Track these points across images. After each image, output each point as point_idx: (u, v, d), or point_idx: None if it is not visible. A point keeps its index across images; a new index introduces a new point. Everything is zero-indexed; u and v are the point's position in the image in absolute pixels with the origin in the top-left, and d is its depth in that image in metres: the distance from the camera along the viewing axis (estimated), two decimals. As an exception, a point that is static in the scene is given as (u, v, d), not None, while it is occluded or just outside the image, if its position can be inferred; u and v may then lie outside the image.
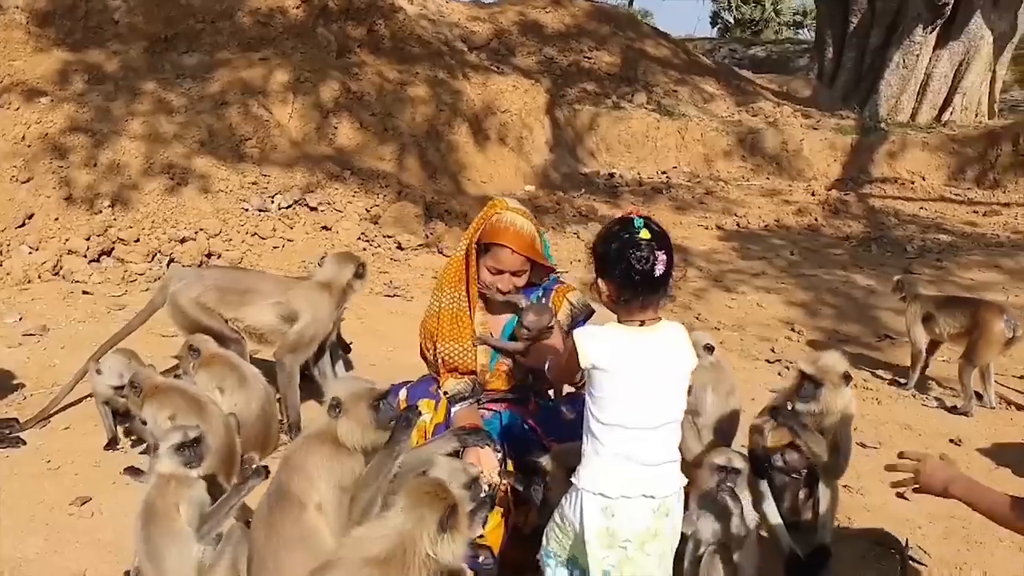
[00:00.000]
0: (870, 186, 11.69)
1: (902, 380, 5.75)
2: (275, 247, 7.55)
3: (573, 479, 2.65)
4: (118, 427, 4.41)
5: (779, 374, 5.83)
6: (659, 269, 2.54)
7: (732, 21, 37.63)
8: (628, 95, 12.58)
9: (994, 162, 11.79)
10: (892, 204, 10.91)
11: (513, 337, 3.55)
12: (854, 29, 14.89)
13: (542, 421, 3.56)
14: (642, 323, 2.61)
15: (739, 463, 3.13)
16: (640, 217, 2.61)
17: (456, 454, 3.15)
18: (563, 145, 11.35)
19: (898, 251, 9.00)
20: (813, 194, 11.05)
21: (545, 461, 3.28)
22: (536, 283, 3.59)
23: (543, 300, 3.57)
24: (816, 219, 10.07)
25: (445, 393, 3.50)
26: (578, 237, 8.65)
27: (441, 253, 7.95)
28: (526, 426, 3.55)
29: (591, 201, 9.94)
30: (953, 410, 5.35)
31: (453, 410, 3.48)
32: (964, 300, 5.82)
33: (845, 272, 8.13)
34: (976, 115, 14.21)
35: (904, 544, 3.66)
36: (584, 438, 2.64)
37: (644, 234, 2.55)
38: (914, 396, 5.60)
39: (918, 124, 13.59)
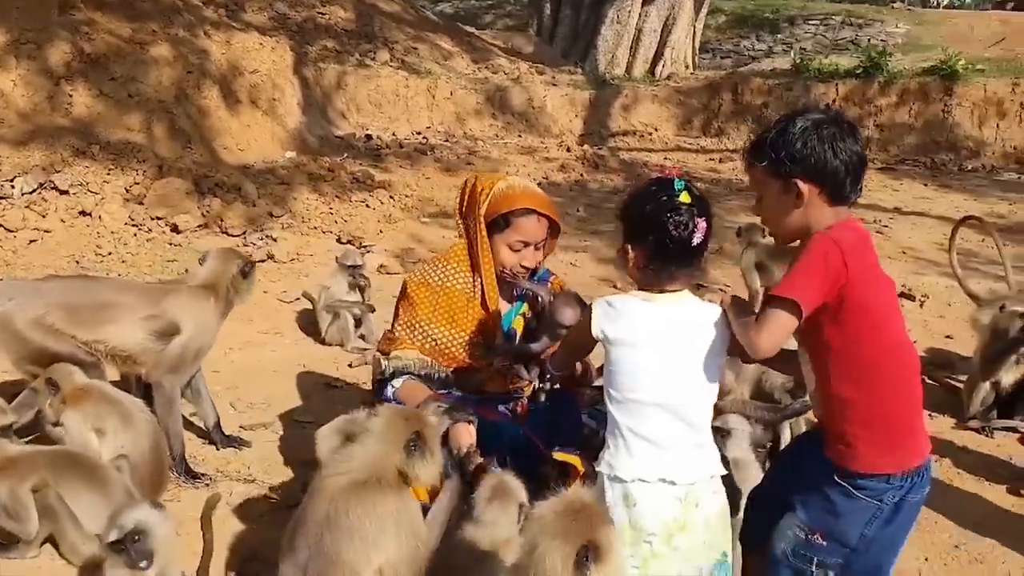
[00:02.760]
0: (613, 139, 12.11)
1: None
2: (31, 240, 6.27)
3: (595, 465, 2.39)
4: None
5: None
6: (697, 237, 2.30)
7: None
8: (370, 52, 11.98)
9: (717, 111, 12.67)
10: (639, 156, 11.36)
11: (525, 334, 3.11)
12: (570, -14, 15.31)
13: (534, 426, 3.15)
14: (661, 291, 2.35)
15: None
16: (680, 178, 2.35)
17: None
18: (315, 107, 10.57)
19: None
20: (568, 150, 11.23)
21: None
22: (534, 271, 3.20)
23: (541, 292, 3.16)
24: (581, 175, 10.22)
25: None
26: (367, 206, 8.06)
27: (226, 234, 7.05)
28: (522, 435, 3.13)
29: (363, 166, 9.33)
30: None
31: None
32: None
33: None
34: (686, 67, 15.21)
35: None
36: (606, 419, 2.39)
37: (684, 198, 2.30)
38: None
39: (634, 77, 14.29)
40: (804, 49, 23.54)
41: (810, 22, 24.38)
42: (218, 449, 3.94)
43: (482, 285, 3.09)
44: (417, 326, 3.11)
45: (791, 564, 2.33)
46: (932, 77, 12.07)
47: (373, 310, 5.35)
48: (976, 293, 5.28)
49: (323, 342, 5.29)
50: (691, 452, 2.34)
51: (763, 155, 2.33)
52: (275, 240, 7.01)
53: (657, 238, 2.30)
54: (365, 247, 7.18)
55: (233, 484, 3.67)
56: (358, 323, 5.30)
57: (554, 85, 12.72)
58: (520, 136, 11.80)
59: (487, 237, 3.06)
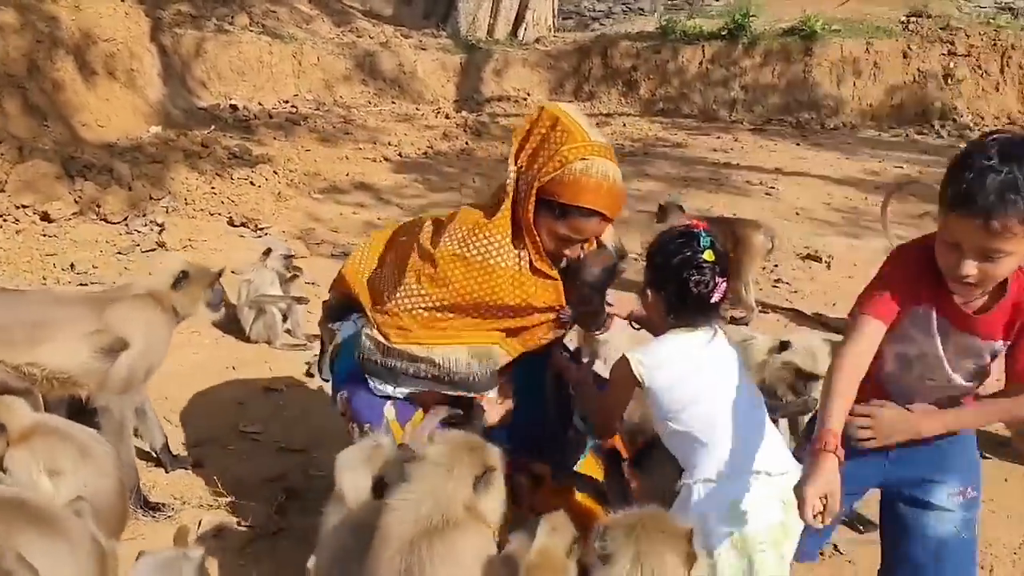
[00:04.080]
0: (488, 105, 11.86)
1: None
2: None
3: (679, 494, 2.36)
4: None
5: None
6: (716, 297, 2.36)
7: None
8: (228, 17, 11.21)
9: (587, 75, 12.62)
10: (516, 122, 11.16)
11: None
12: (426, -55, 14.83)
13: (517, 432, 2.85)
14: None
15: None
16: (706, 234, 2.37)
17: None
18: (175, 77, 9.80)
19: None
20: (447, 117, 10.92)
21: None
22: None
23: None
24: (467, 143, 9.94)
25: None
26: (251, 183, 7.54)
27: (106, 221, 6.42)
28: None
29: (237, 140, 8.73)
30: (734, 321, 5.60)
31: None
32: (723, 219, 6.10)
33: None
34: (549, 29, 15.07)
35: None
36: (679, 455, 2.40)
37: (708, 256, 2.33)
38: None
39: (498, 40, 14.05)
40: (643, 10, 23.99)
41: (655, -19, 24.78)
42: (167, 472, 3.53)
43: (535, 252, 2.61)
44: (441, 304, 2.63)
45: (964, 525, 2.37)
46: (793, 38, 12.42)
47: (305, 301, 4.96)
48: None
49: (247, 340, 4.87)
50: (775, 443, 2.39)
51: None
52: (162, 226, 6.45)
53: (678, 291, 2.34)
54: (261, 229, 6.70)
55: (196, 512, 3.29)
56: (284, 317, 4.90)
57: (423, 50, 12.32)
58: (394, 103, 11.38)
59: (534, 208, 2.57)
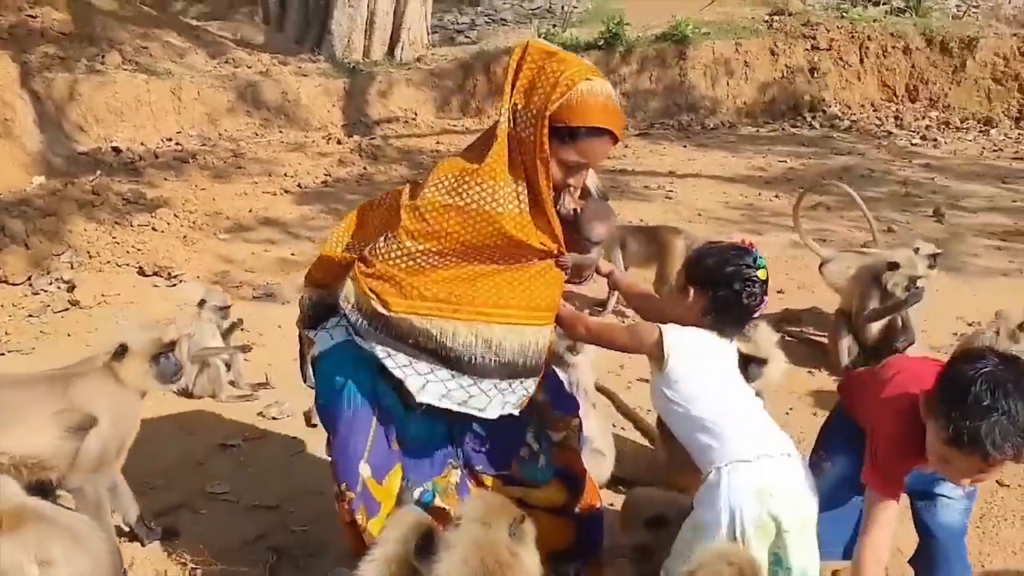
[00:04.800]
0: (377, 127, 11.78)
1: (598, 308, 6.00)
2: None
3: (705, 481, 2.48)
4: None
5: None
6: (758, 312, 2.54)
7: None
8: (99, 56, 10.74)
9: (473, 91, 12.70)
10: (409, 143, 11.15)
11: None
12: (295, -30, 14.62)
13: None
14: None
15: None
16: (758, 253, 2.54)
17: None
18: (51, 123, 9.35)
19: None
20: (339, 142, 10.80)
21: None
22: None
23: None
24: (364, 168, 9.86)
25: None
26: (154, 229, 7.29)
27: (7, 283, 6.12)
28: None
29: (127, 184, 8.39)
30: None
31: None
32: (646, 228, 6.29)
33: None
34: (425, 48, 15.09)
35: None
36: (696, 443, 2.50)
37: (763, 274, 2.51)
38: (622, 318, 5.89)
39: (375, 61, 13.99)
40: (505, 20, 24.29)
41: (505, -8, 25.11)
42: (144, 545, 3.39)
43: (539, 191, 2.51)
44: (433, 257, 2.51)
45: (965, 513, 2.66)
46: (666, 43, 12.82)
47: (249, 349, 4.84)
48: (819, 251, 5.68)
49: (190, 396, 4.70)
50: (778, 431, 2.56)
51: None
52: (69, 283, 6.16)
53: (726, 296, 2.48)
54: (175, 277, 6.48)
55: (187, 589, 3.18)
56: (227, 367, 4.77)
57: (304, 76, 12.13)
58: (281, 132, 11.16)
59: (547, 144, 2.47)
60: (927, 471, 2.47)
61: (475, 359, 2.54)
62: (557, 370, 3.22)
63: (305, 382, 2.94)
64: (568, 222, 2.68)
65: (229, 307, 4.84)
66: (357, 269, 2.58)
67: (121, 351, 3.18)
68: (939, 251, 4.99)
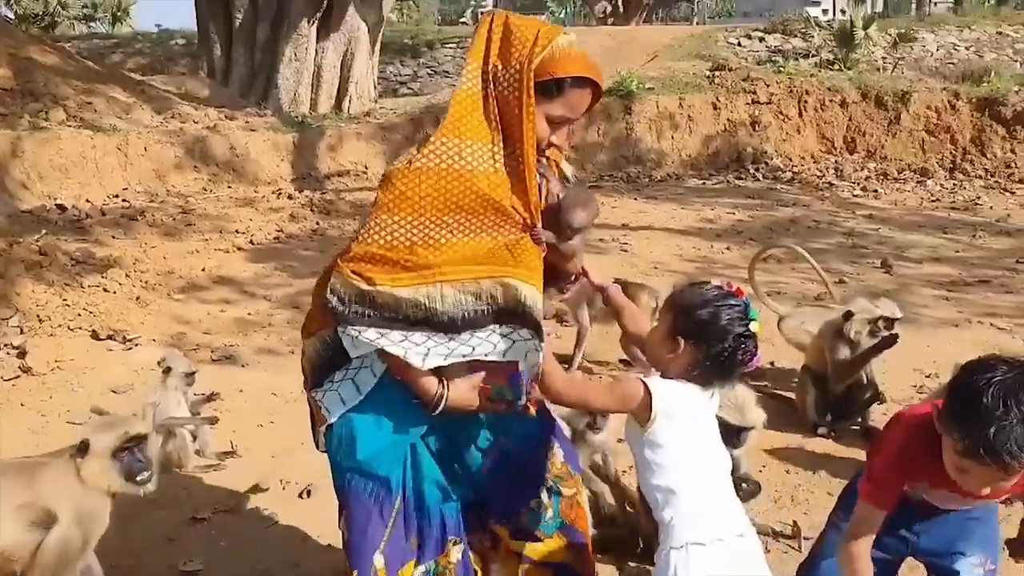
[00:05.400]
0: (327, 181, 11.75)
1: (563, 365, 6.01)
2: None
3: (658, 556, 2.41)
4: None
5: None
6: (751, 367, 2.46)
7: (13, 16, 33.80)
8: (42, 112, 10.57)
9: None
10: (360, 196, 11.10)
11: None
12: (240, 25, 14.66)
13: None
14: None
15: None
16: (748, 301, 2.45)
17: None
18: (-8, 181, 9.14)
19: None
20: (290, 197, 10.72)
21: None
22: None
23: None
24: (317, 223, 9.79)
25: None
26: (105, 290, 7.11)
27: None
28: None
29: (75, 243, 8.20)
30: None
31: None
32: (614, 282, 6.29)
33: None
34: (372, 101, 15.16)
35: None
36: (656, 507, 2.43)
37: (756, 328, 2.40)
38: (590, 375, 5.90)
39: (323, 115, 14.01)
40: (447, 72, 24.56)
41: (447, 46, 25.53)
42: (120, 635, 3.26)
43: (519, 153, 2.43)
44: (407, 227, 2.39)
45: None
46: (612, 97, 13.06)
47: (215, 421, 4.72)
48: (777, 309, 5.77)
49: (154, 466, 4.56)
50: (739, 507, 2.48)
51: None
52: (20, 349, 5.96)
53: (720, 352, 2.36)
54: (130, 340, 6.33)
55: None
56: (192, 437, 4.65)
57: (253, 130, 12.06)
58: (230, 187, 11.06)
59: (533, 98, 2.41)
60: (917, 487, 2.47)
61: (468, 314, 2.43)
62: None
63: (318, 448, 2.75)
64: (550, 213, 2.60)
65: (194, 374, 4.73)
66: (338, 260, 2.48)
67: (83, 448, 2.99)
68: (899, 316, 5.07)
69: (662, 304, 2.75)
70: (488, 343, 2.44)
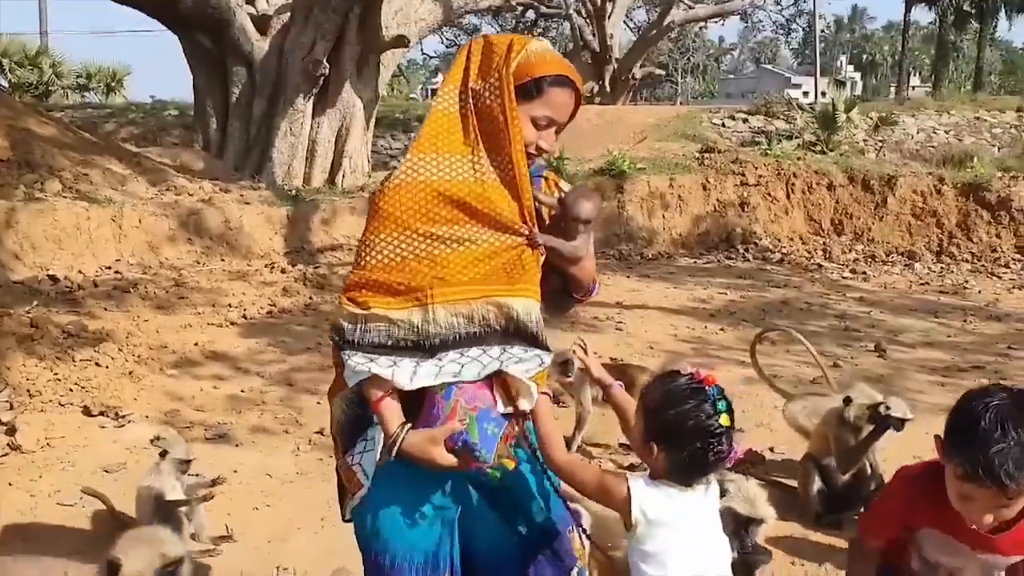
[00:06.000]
0: (320, 255, 11.76)
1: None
2: None
3: None
4: None
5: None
6: (728, 463, 2.38)
7: (7, 85, 34.09)
8: (37, 183, 10.59)
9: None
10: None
11: None
12: (237, 99, 14.79)
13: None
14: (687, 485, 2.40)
15: None
16: (720, 392, 2.34)
17: None
18: (-14, 251, 9.10)
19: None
20: (283, 271, 10.71)
21: None
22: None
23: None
24: (310, 297, 9.78)
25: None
26: (97, 364, 7.04)
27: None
28: None
29: (67, 315, 8.14)
30: (632, 468, 5.73)
31: None
32: (614, 365, 6.29)
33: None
34: (366, 176, 15.26)
35: None
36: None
37: (725, 420, 2.30)
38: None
39: (317, 189, 14.09)
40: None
41: (439, 120, 25.80)
42: None
43: (509, 160, 2.43)
44: (395, 243, 2.38)
45: None
46: (604, 176, 13.24)
47: (209, 498, 4.63)
48: (783, 392, 5.76)
49: (148, 551, 4.45)
50: None
51: None
52: (9, 426, 5.86)
53: (691, 455, 2.28)
54: (122, 417, 6.24)
55: None
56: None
57: (247, 204, 12.11)
58: (223, 260, 11.04)
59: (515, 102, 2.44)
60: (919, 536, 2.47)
61: (459, 336, 2.37)
62: None
63: (344, 519, 2.64)
64: (554, 220, 2.60)
65: (191, 462, 4.65)
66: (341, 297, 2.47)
67: (111, 572, 2.88)
68: (910, 417, 4.98)
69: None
70: (478, 363, 2.37)
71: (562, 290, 2.70)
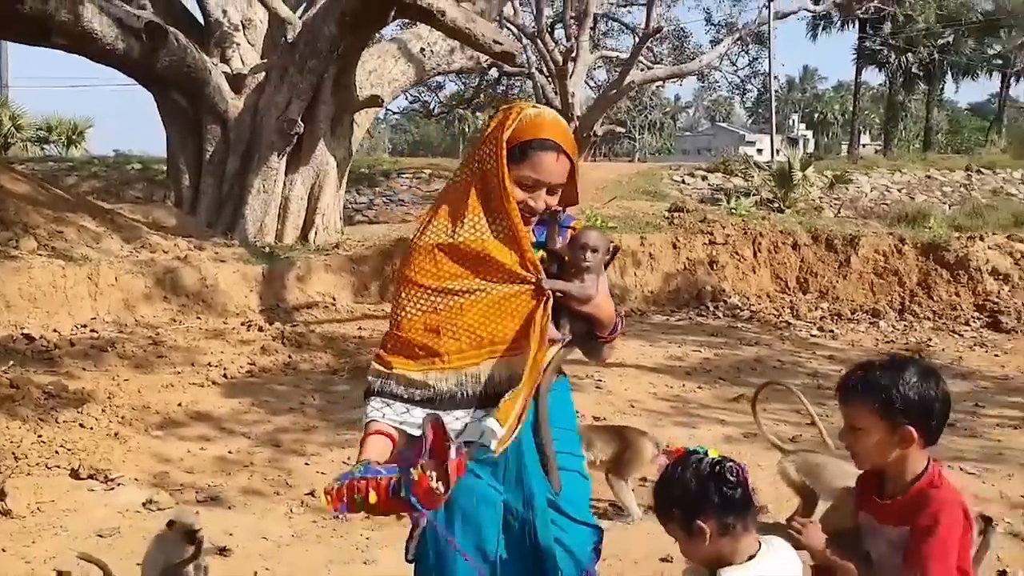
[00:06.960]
0: (296, 313, 11.77)
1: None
2: None
3: None
4: None
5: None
6: (749, 487, 2.47)
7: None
8: (12, 241, 10.54)
9: (392, 276, 12.91)
10: (330, 328, 11.15)
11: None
12: (210, 156, 14.85)
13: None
14: (751, 557, 2.49)
15: None
16: (689, 449, 2.54)
17: None
18: (-39, 310, 9.01)
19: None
20: (260, 329, 10.69)
21: None
22: (543, 217, 2.79)
23: (559, 240, 2.79)
24: (289, 356, 9.78)
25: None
26: (82, 426, 6.99)
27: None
28: None
29: (46, 375, 8.08)
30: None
31: None
32: (612, 427, 6.41)
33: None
34: (338, 232, 15.35)
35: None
36: None
37: (713, 452, 2.49)
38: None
39: (289, 246, 14.14)
40: (403, 200, 25.06)
41: (403, 176, 26.21)
42: None
43: (506, 219, 2.66)
44: (415, 300, 2.70)
45: None
46: (576, 235, 13.46)
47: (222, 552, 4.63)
48: (781, 447, 5.89)
49: (152, 619, 4.43)
50: None
51: (874, 398, 2.56)
52: (-2, 489, 5.79)
53: (718, 498, 2.41)
54: (112, 480, 6.19)
55: None
56: (191, 587, 4.53)
57: (222, 261, 12.11)
58: (200, 318, 11.00)
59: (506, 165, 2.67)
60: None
61: (465, 393, 2.67)
62: None
63: (407, 557, 2.76)
64: (568, 267, 2.76)
65: (198, 531, 4.63)
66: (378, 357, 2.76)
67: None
68: None
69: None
70: (462, 422, 2.65)
71: (587, 333, 2.94)
